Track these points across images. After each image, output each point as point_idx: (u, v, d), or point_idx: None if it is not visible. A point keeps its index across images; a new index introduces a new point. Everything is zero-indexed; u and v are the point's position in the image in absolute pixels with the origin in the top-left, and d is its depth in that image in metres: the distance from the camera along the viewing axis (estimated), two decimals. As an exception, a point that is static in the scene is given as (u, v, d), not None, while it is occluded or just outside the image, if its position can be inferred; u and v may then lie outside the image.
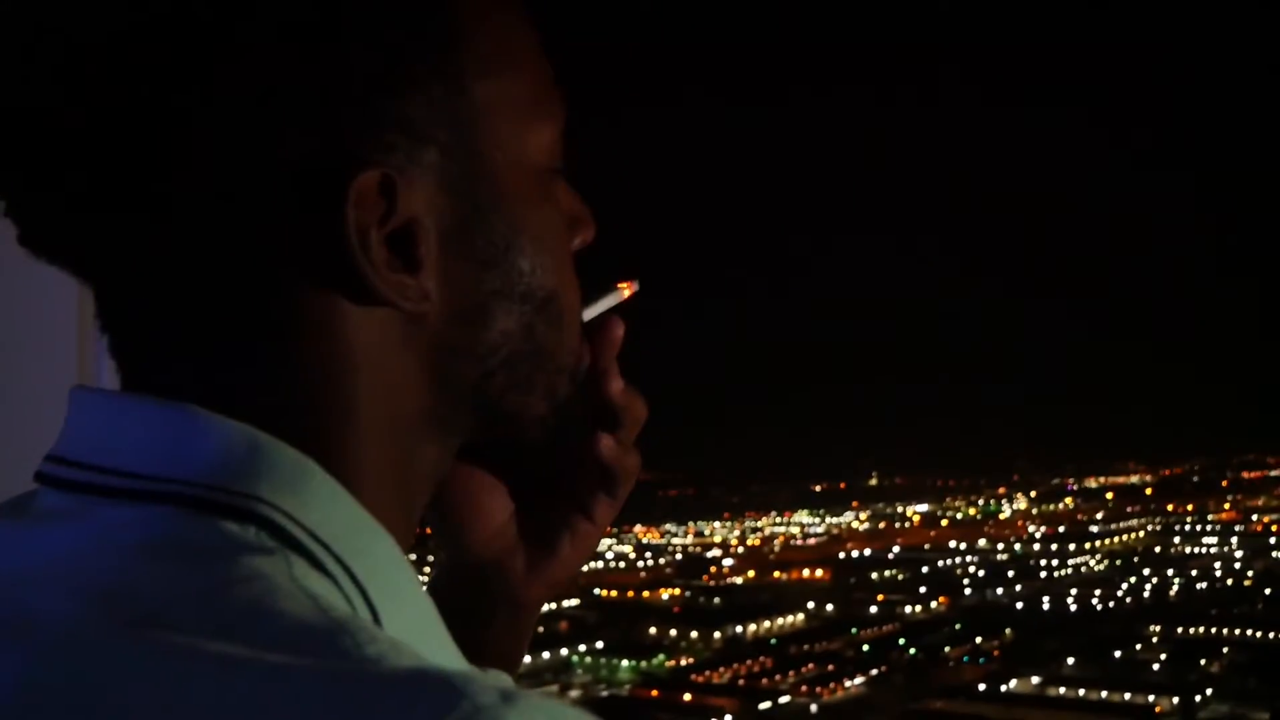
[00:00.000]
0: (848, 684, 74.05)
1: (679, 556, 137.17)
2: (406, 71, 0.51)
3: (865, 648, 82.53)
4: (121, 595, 0.45)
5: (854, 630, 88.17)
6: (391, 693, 0.39)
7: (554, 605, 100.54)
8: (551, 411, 0.60)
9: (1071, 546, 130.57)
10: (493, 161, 0.54)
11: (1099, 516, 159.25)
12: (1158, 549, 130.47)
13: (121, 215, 0.51)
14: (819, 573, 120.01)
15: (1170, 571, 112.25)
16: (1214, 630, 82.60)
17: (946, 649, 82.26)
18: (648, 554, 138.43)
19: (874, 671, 75.49)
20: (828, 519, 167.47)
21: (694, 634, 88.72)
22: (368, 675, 0.40)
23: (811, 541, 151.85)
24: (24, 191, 0.52)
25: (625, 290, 0.68)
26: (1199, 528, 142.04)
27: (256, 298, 0.51)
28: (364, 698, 0.39)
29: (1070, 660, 76.04)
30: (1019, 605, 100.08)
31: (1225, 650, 76.78)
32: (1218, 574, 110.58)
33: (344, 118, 0.50)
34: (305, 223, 0.50)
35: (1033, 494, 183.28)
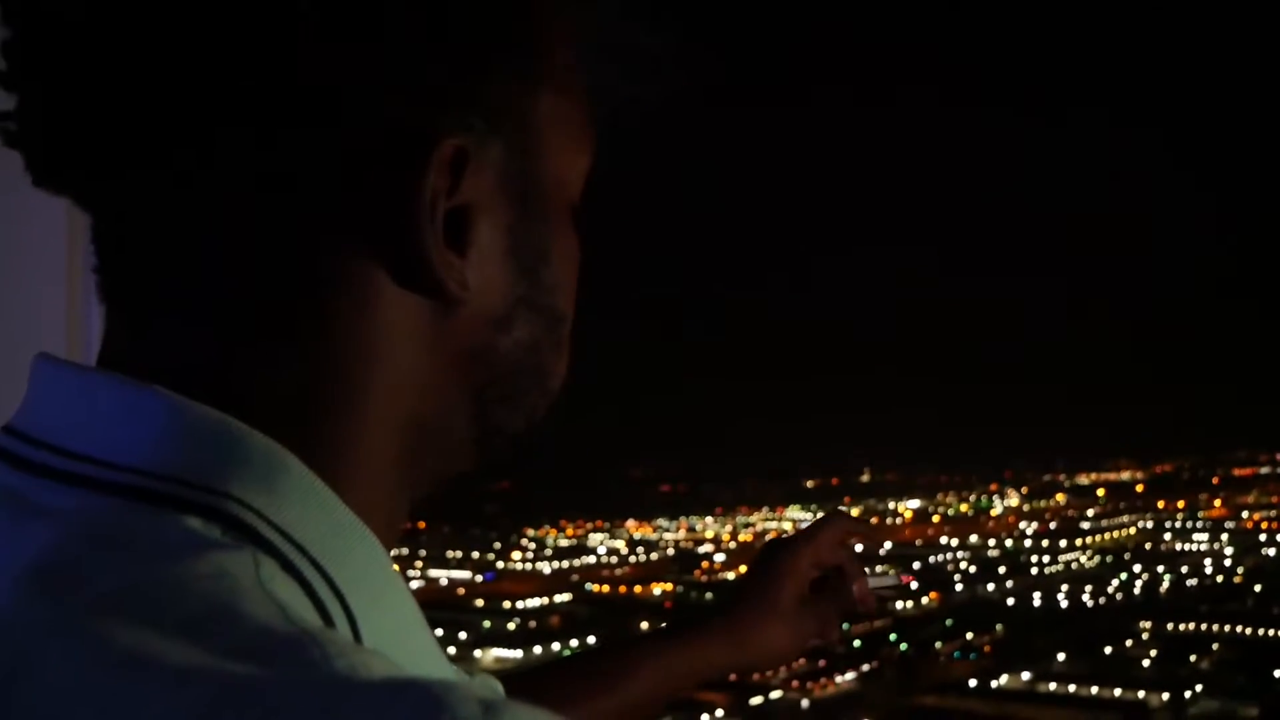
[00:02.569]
0: (839, 680, 74.14)
1: (671, 552, 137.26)
2: (496, 59, 0.51)
3: (856, 643, 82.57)
4: (71, 586, 0.41)
5: (845, 626, 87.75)
6: (363, 705, 0.35)
7: (546, 600, 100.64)
8: (527, 432, 0.58)
9: (1063, 543, 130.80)
10: (546, 172, 0.54)
11: (1090, 513, 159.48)
12: (1148, 545, 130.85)
13: (171, 158, 0.47)
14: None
15: (1161, 568, 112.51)
16: (1204, 626, 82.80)
17: (938, 645, 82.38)
18: (640, 549, 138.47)
19: (865, 667, 75.59)
20: (819, 515, 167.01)
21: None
22: (336, 687, 0.36)
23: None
24: (58, 127, 0.48)
25: (906, 580, 0.88)
26: (1190, 524, 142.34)
27: (290, 266, 0.48)
28: (332, 711, 0.35)
29: (1061, 656, 76.15)
30: (1010, 601, 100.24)
31: (1215, 646, 76.97)
32: (1208, 570, 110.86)
33: (439, 85, 0.49)
34: (379, 183, 0.48)
35: (1024, 490, 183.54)
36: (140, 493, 0.44)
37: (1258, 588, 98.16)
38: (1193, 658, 74.89)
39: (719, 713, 67.31)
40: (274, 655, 0.37)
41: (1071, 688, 69.74)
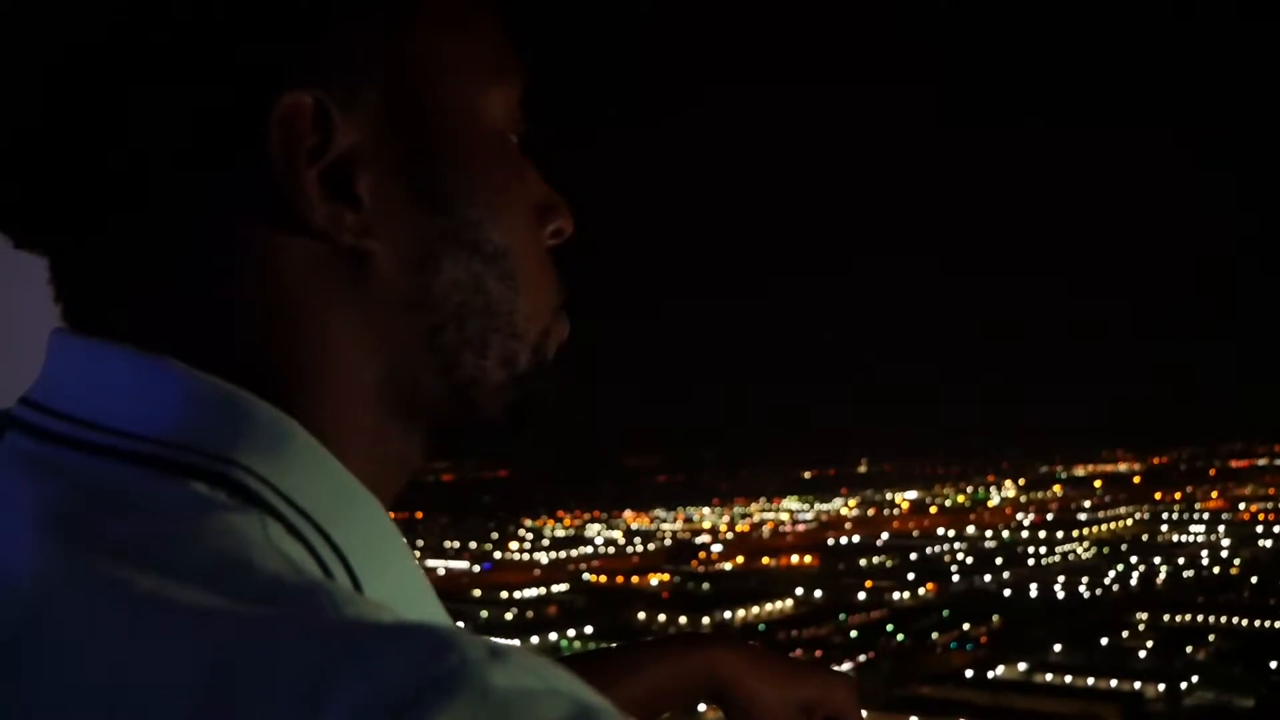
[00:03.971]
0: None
1: (668, 542, 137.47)
2: (344, 6, 0.50)
3: (854, 634, 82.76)
4: (85, 537, 0.43)
5: (842, 616, 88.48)
6: (375, 645, 0.37)
7: (543, 591, 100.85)
8: (510, 382, 0.55)
9: (1059, 534, 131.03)
10: (442, 111, 0.53)
11: (1087, 504, 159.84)
12: (1145, 537, 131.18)
13: (63, 184, 0.49)
14: (808, 559, 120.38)
15: (1157, 559, 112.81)
16: (1200, 618, 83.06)
17: (934, 635, 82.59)
18: (637, 539, 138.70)
19: (862, 657, 75.73)
20: (817, 505, 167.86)
21: (683, 620, 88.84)
22: (347, 628, 0.38)
23: (800, 528, 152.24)
24: None
25: None
26: (1186, 516, 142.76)
27: (203, 244, 0.49)
28: (346, 650, 0.37)
29: (1057, 647, 76.38)
30: (1007, 592, 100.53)
31: (1211, 637, 77.20)
32: (1205, 562, 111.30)
33: (273, 41, 0.48)
34: (235, 152, 0.48)
35: (1021, 481, 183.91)
36: (149, 459, 0.46)
37: (1254, 579, 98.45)
38: (1189, 649, 75.09)
39: (716, 703, 67.40)
40: (285, 600, 0.39)
41: (1068, 678, 69.91)
